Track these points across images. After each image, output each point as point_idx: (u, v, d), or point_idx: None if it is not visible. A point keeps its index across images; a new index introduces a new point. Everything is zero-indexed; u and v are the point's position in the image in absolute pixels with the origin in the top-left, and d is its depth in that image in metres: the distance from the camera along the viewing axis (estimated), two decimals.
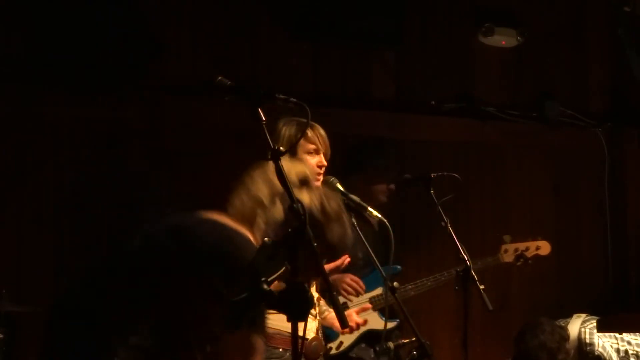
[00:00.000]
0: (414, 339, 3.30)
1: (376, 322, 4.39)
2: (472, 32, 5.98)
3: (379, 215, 3.04)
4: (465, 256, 3.79)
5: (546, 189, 6.34)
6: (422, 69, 6.06)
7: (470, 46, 6.08)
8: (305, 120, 2.63)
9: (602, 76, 6.51)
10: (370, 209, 3.07)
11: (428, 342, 3.77)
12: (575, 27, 6.41)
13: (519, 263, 4.51)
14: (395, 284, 4.38)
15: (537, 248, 4.49)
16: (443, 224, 4.03)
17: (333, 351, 4.34)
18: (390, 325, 4.47)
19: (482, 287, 3.93)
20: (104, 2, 4.92)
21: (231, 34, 5.54)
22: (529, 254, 4.49)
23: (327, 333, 4.23)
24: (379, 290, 4.55)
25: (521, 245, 4.46)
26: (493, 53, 6.12)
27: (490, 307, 3.95)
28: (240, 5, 5.56)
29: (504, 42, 5.99)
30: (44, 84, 4.91)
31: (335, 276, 3.57)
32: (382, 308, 4.51)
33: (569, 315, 5.21)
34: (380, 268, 3.11)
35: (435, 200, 4.15)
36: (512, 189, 6.25)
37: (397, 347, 3.34)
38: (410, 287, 4.60)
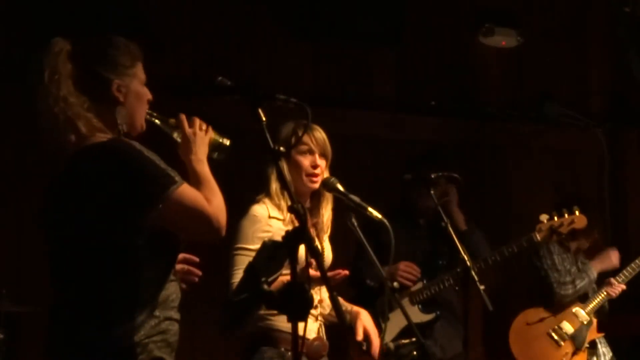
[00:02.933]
0: (414, 339, 3.30)
1: (416, 315, 4.45)
2: (472, 32, 5.98)
3: (379, 216, 3.03)
4: (465, 256, 3.80)
5: (546, 189, 6.34)
6: (422, 69, 6.06)
7: (470, 46, 6.08)
8: (304, 121, 2.65)
9: (602, 76, 6.51)
10: (370, 209, 3.06)
11: (428, 342, 3.78)
12: (575, 27, 6.41)
13: (555, 239, 4.53)
14: (395, 284, 4.40)
15: (572, 222, 4.49)
16: (443, 224, 4.05)
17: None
18: (429, 317, 4.51)
19: (482, 287, 3.94)
20: (104, 2, 4.92)
21: (231, 34, 5.54)
22: (564, 230, 4.49)
23: None
24: (419, 285, 4.56)
25: (555, 222, 4.46)
26: (493, 53, 6.12)
27: (491, 307, 3.95)
28: (240, 5, 5.56)
29: (504, 43, 5.99)
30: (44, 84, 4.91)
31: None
32: (422, 301, 4.54)
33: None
34: (380, 268, 3.10)
35: (436, 201, 4.16)
36: (512, 189, 6.25)
37: (397, 347, 3.34)
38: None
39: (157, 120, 2.73)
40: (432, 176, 4.20)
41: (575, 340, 5.08)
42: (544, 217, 4.46)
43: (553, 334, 5.12)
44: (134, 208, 2.44)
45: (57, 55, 2.56)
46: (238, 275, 3.21)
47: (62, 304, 2.54)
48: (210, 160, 2.71)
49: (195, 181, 2.59)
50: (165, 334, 2.51)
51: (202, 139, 2.71)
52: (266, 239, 3.16)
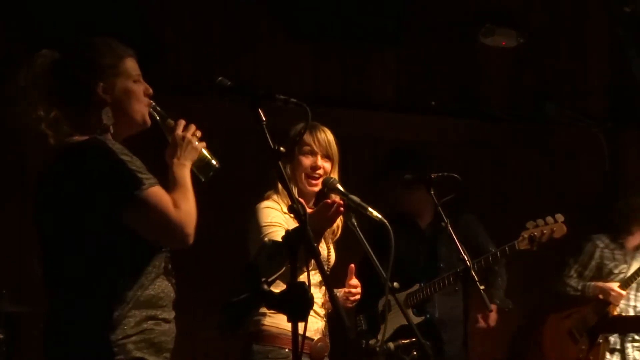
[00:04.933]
0: (414, 339, 3.29)
1: (410, 318, 4.48)
2: (472, 33, 5.98)
3: (380, 216, 3.02)
4: (465, 256, 3.79)
5: (546, 189, 6.34)
6: (422, 69, 6.06)
7: (470, 46, 6.07)
8: (312, 122, 2.65)
9: (602, 76, 6.51)
10: (370, 209, 3.06)
11: (428, 343, 3.77)
12: (575, 28, 6.41)
13: (534, 248, 4.55)
14: (395, 284, 4.40)
15: (552, 232, 4.52)
16: (443, 224, 4.04)
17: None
18: (418, 320, 4.55)
19: (482, 287, 3.94)
20: (104, 2, 4.92)
21: (231, 34, 5.54)
22: (543, 239, 4.52)
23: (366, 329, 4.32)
24: (415, 287, 4.58)
25: (536, 231, 4.48)
26: (493, 53, 6.12)
27: (491, 308, 3.96)
28: (240, 5, 5.56)
29: (504, 43, 5.99)
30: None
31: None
32: (416, 304, 4.56)
33: None
34: (380, 268, 3.10)
35: (436, 201, 4.16)
36: (512, 189, 6.25)
37: (397, 347, 3.33)
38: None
39: (157, 116, 2.72)
40: (432, 176, 4.19)
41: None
42: (530, 225, 4.49)
43: (574, 331, 5.20)
44: (100, 208, 2.45)
45: (38, 67, 2.62)
46: (268, 229, 3.27)
47: (49, 304, 2.56)
48: (193, 175, 2.69)
49: (172, 184, 2.57)
50: (149, 333, 2.49)
51: (190, 145, 2.67)
52: (282, 226, 3.20)
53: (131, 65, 2.65)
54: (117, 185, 2.45)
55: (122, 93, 2.62)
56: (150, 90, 2.69)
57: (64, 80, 2.61)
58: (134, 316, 2.47)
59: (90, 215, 2.46)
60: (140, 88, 2.66)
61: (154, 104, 2.70)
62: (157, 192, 2.47)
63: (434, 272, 4.65)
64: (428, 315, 4.60)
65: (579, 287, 5.36)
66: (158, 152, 2.71)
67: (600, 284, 5.30)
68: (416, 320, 4.54)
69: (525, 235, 4.50)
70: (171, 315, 2.59)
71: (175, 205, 2.48)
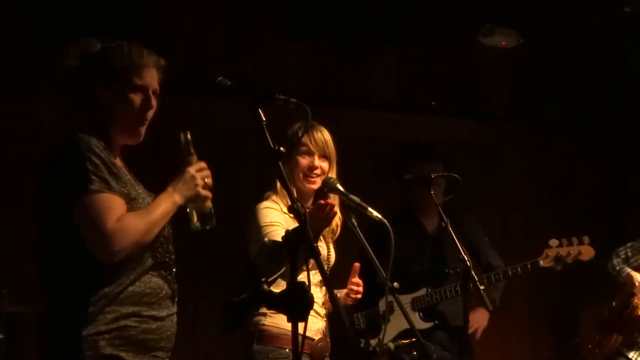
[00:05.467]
0: (414, 339, 3.29)
1: (415, 322, 4.46)
2: (473, 33, 5.98)
3: (380, 216, 3.02)
4: (465, 257, 3.79)
5: (546, 189, 6.34)
6: (422, 69, 6.06)
7: (470, 46, 6.07)
8: (310, 122, 2.65)
9: (602, 76, 6.51)
10: (370, 209, 3.06)
11: (428, 343, 3.77)
12: (575, 27, 6.41)
13: (559, 267, 4.51)
14: (395, 284, 4.39)
15: (579, 253, 4.48)
16: (443, 224, 4.03)
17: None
18: (426, 325, 4.55)
19: (482, 287, 3.93)
20: (104, 2, 4.92)
21: (231, 33, 5.54)
22: (569, 259, 4.48)
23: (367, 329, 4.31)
24: (422, 291, 4.57)
25: (563, 251, 4.45)
26: (493, 53, 6.12)
27: (491, 307, 3.95)
28: (240, 5, 5.56)
29: (504, 43, 5.99)
30: (44, 84, 4.90)
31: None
32: (423, 309, 4.55)
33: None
34: (380, 268, 3.09)
35: (435, 201, 4.16)
36: (512, 189, 6.25)
37: (397, 347, 3.33)
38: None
39: (183, 143, 2.68)
40: (433, 176, 4.18)
41: None
42: (553, 243, 4.45)
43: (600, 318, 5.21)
44: (57, 205, 2.47)
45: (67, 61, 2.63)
46: (268, 228, 3.27)
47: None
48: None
49: (150, 205, 2.54)
50: (128, 330, 2.48)
51: (192, 186, 2.60)
52: (283, 225, 3.20)
53: (140, 74, 2.63)
54: (68, 184, 2.46)
55: (117, 99, 2.60)
56: (151, 105, 2.65)
57: (79, 76, 2.62)
58: (112, 312, 2.46)
59: (55, 210, 2.49)
60: (137, 99, 2.62)
61: (189, 132, 2.67)
62: (100, 199, 2.45)
63: (440, 276, 4.62)
64: (437, 322, 4.58)
65: (617, 269, 5.19)
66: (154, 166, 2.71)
67: (633, 272, 5.21)
68: (424, 325, 4.54)
69: (551, 254, 4.46)
70: (163, 312, 2.56)
71: (120, 219, 2.45)
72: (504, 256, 5.01)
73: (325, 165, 3.47)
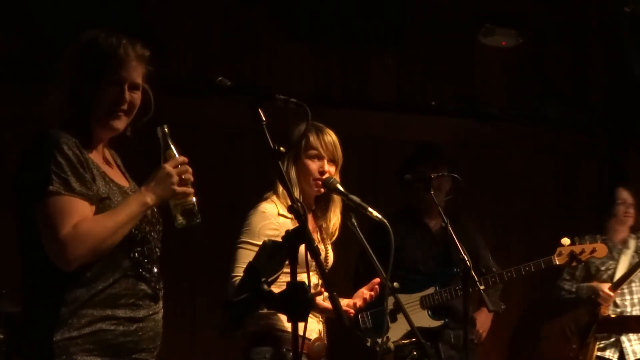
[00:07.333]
0: (414, 339, 3.29)
1: (424, 320, 4.51)
2: (473, 33, 5.98)
3: (379, 216, 3.02)
4: (465, 257, 3.79)
5: (546, 189, 6.34)
6: (422, 69, 6.06)
7: (470, 46, 6.08)
8: (313, 124, 2.63)
9: (602, 76, 6.51)
10: (370, 209, 3.05)
11: (428, 343, 3.77)
12: (575, 28, 6.41)
13: (573, 264, 4.54)
14: (395, 284, 4.39)
15: (593, 250, 4.50)
16: (443, 224, 4.04)
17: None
18: (437, 324, 4.54)
19: (482, 287, 3.94)
20: (104, 2, 4.92)
21: (231, 34, 5.54)
22: (583, 257, 4.50)
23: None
24: (430, 290, 4.57)
25: (577, 248, 4.47)
26: (493, 53, 6.12)
27: (490, 307, 3.95)
28: (240, 6, 5.56)
29: (504, 43, 5.99)
30: (44, 84, 4.90)
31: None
32: (432, 307, 4.55)
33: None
34: (380, 269, 3.09)
35: (435, 201, 4.16)
36: (512, 189, 6.25)
37: (397, 347, 3.33)
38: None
39: (160, 140, 2.54)
40: (432, 176, 4.18)
41: None
42: (565, 241, 4.47)
43: (566, 330, 5.20)
44: (22, 204, 2.45)
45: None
46: (240, 270, 3.20)
47: None
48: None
49: (117, 208, 2.42)
50: (103, 335, 2.40)
51: (168, 182, 2.43)
52: (272, 237, 3.18)
53: (118, 66, 2.49)
54: (29, 185, 2.42)
55: (92, 91, 2.48)
56: (124, 99, 2.50)
57: (67, 66, 2.55)
58: (85, 316, 2.38)
59: (26, 213, 2.44)
60: (113, 92, 2.49)
61: (166, 126, 2.53)
62: (56, 202, 2.34)
63: (448, 275, 4.61)
64: (447, 320, 4.57)
65: (573, 289, 5.34)
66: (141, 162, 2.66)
67: (594, 284, 5.27)
68: (434, 323, 4.54)
69: (564, 252, 4.47)
70: (141, 313, 2.47)
71: (77, 225, 2.32)
72: (504, 256, 5.02)
73: (332, 169, 3.46)
